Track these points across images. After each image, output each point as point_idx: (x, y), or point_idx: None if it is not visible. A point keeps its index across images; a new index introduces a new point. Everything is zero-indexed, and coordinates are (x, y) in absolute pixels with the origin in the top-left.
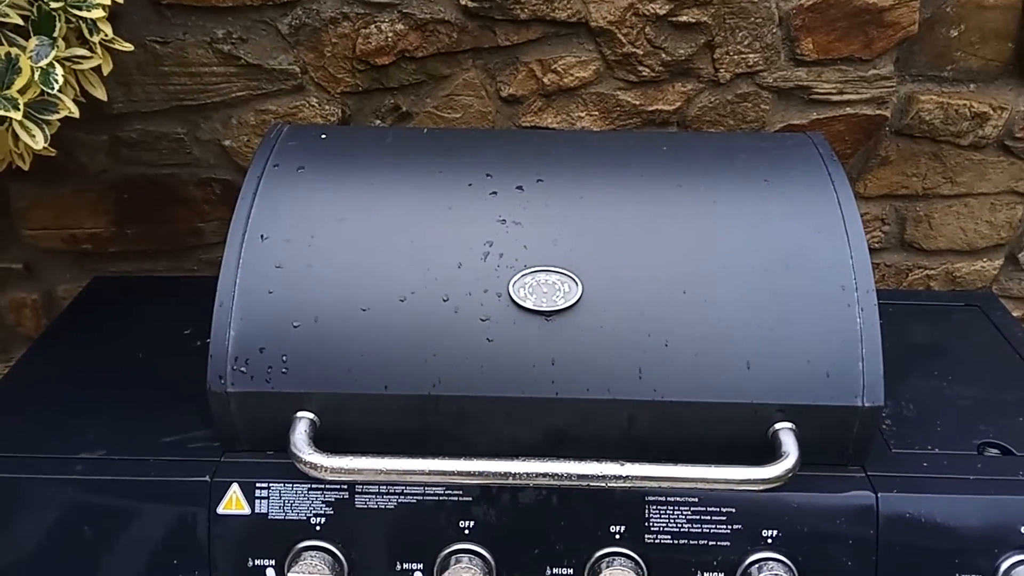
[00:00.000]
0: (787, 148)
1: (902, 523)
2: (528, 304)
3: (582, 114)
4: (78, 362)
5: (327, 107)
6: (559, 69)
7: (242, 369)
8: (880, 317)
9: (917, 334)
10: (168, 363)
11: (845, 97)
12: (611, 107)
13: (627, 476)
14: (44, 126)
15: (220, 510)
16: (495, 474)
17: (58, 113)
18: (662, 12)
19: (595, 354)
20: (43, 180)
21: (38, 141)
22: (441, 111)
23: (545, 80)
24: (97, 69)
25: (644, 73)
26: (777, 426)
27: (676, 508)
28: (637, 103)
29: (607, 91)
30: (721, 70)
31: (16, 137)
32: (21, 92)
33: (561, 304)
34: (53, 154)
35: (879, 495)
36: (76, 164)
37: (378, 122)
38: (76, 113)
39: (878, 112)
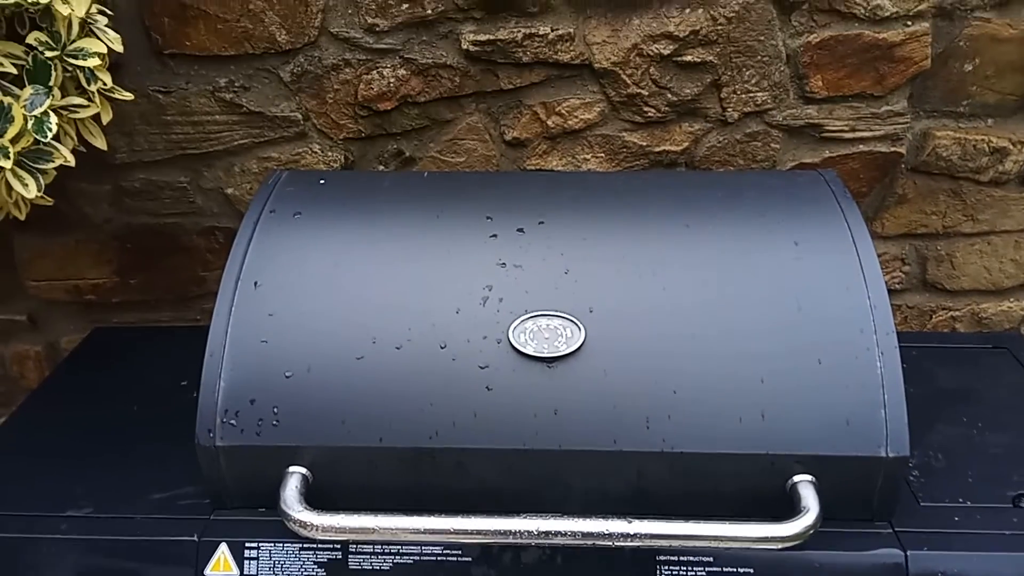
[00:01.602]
0: (798, 185)
1: None
2: (529, 350)
3: (588, 156)
4: (73, 414)
5: (330, 153)
6: (563, 111)
7: (232, 422)
8: (903, 361)
9: (943, 378)
10: (162, 416)
11: (858, 134)
12: (617, 148)
13: (635, 534)
14: (39, 175)
15: (208, 572)
16: (495, 532)
17: (53, 162)
18: (666, 52)
19: (600, 403)
20: (46, 230)
21: (31, 190)
22: (445, 155)
23: (549, 123)
24: (96, 118)
25: (650, 114)
26: (796, 479)
27: (690, 568)
28: (644, 144)
29: (613, 132)
30: (729, 109)
31: (10, 187)
32: (13, 141)
33: (563, 350)
34: (50, 203)
35: (908, 552)
36: (79, 214)
37: (381, 167)
38: (72, 162)
39: (893, 149)
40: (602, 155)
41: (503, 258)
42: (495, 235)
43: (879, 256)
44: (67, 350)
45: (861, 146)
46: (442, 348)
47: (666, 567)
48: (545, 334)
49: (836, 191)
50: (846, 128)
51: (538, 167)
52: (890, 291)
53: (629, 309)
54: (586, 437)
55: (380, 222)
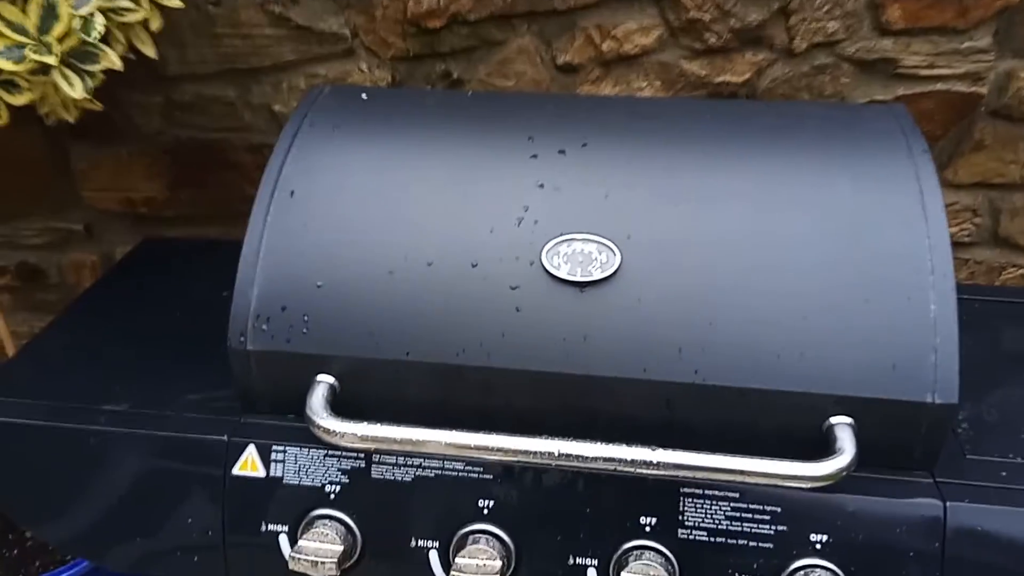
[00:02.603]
0: (863, 118)
1: (973, 537)
2: (561, 273)
3: (643, 84)
4: (118, 318)
5: (377, 72)
6: (619, 36)
7: (263, 327)
8: (965, 313)
9: (1008, 335)
10: (203, 323)
11: (936, 71)
12: (674, 77)
13: (658, 463)
14: (85, 76)
15: (235, 471)
16: (517, 451)
17: (99, 64)
18: None
19: (632, 330)
20: (100, 141)
21: (77, 90)
22: (494, 78)
23: (604, 47)
24: (146, 25)
25: (711, 41)
26: (833, 420)
27: (714, 503)
28: (703, 73)
29: (670, 60)
30: (796, 39)
31: (56, 86)
32: (60, 40)
33: (597, 275)
34: (99, 108)
35: (948, 504)
36: (131, 126)
37: (428, 88)
38: (119, 66)
39: (973, 89)
40: (658, 84)
41: (542, 179)
42: (535, 155)
43: (949, 206)
44: None
45: (938, 84)
46: (473, 267)
47: (689, 499)
48: (579, 258)
49: (903, 125)
50: (923, 64)
51: (590, 94)
52: (958, 244)
53: (669, 237)
54: (615, 364)
55: (419, 138)
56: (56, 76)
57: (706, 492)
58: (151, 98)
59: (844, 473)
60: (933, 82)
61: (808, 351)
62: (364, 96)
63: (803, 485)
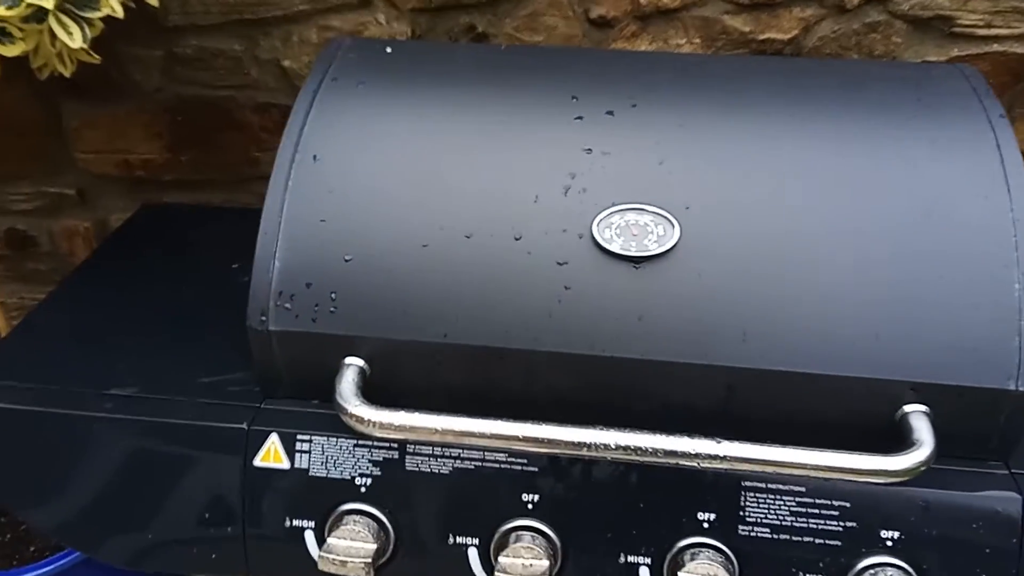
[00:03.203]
0: (931, 79)
1: None
2: (614, 247)
3: (681, 41)
4: (119, 292)
5: (396, 25)
6: None
7: (286, 306)
8: None
9: None
10: (212, 298)
11: (993, 31)
12: (715, 34)
13: (725, 456)
14: (84, 25)
15: (257, 462)
16: (570, 443)
17: (99, 11)
18: None
19: (691, 310)
20: (95, 98)
21: (75, 39)
22: (521, 33)
23: (642, 0)
24: None
25: None
26: (907, 408)
27: (778, 498)
28: (747, 30)
29: (712, 15)
30: None
31: (55, 36)
32: None
33: (654, 249)
34: (96, 61)
35: None
36: (128, 81)
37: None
38: (120, 13)
39: None
40: (698, 41)
41: (589, 143)
42: (580, 117)
43: None
44: (116, 228)
45: (995, 45)
46: (517, 240)
47: (751, 494)
48: (633, 230)
49: (978, 88)
50: (980, 23)
51: (633, 51)
52: None
53: (731, 207)
54: (673, 347)
55: (452, 96)
56: (53, 23)
57: (769, 486)
58: (150, 51)
59: (923, 468)
60: (989, 42)
61: (882, 334)
62: (388, 50)
63: (882, 480)
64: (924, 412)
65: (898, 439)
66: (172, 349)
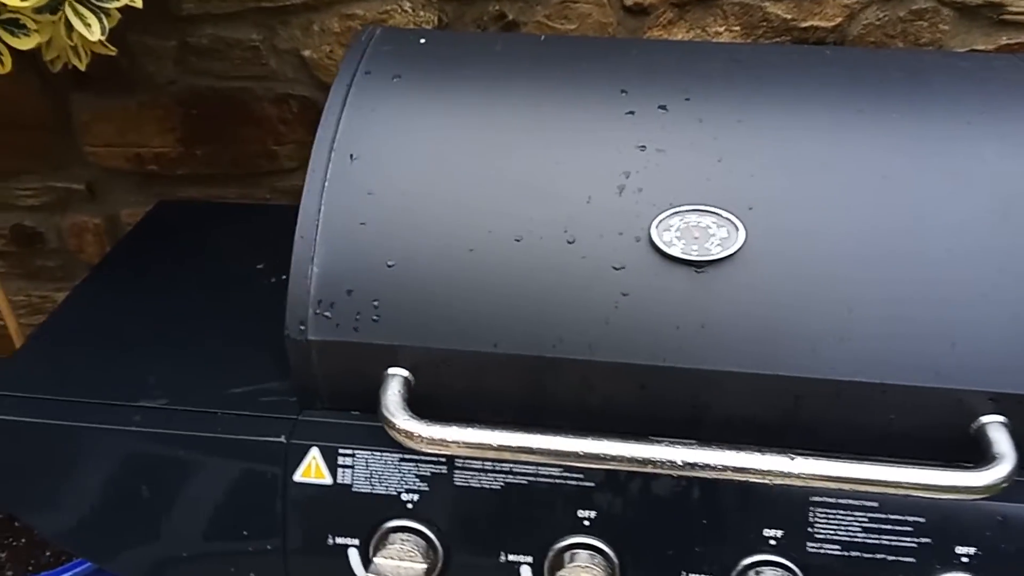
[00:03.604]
0: (994, 70)
1: None
2: (675, 251)
3: (720, 28)
4: (140, 295)
5: (422, 13)
6: None
7: (326, 314)
8: None
9: None
10: (239, 301)
11: None
12: (756, 21)
13: (800, 474)
14: (101, 15)
15: (297, 477)
16: (634, 460)
17: (117, 1)
18: None
19: (757, 317)
20: (106, 90)
21: (94, 32)
22: (553, 21)
23: None
24: None
25: None
26: (984, 420)
27: (849, 513)
28: (788, 17)
29: (753, 1)
30: None
31: (70, 27)
32: None
33: (717, 253)
34: (112, 53)
35: None
36: (141, 73)
37: (479, 32)
38: (139, 2)
39: None
40: (737, 28)
41: (643, 140)
42: (632, 112)
43: None
44: (128, 224)
45: None
46: (570, 243)
47: (820, 510)
48: (694, 233)
49: None
50: None
51: (679, 40)
52: None
53: (796, 208)
54: (738, 357)
55: (495, 90)
56: (69, 13)
57: (840, 501)
58: (164, 42)
59: (1005, 484)
60: None
61: (959, 342)
62: (422, 40)
63: (960, 497)
64: (1003, 423)
65: (974, 451)
66: (200, 357)
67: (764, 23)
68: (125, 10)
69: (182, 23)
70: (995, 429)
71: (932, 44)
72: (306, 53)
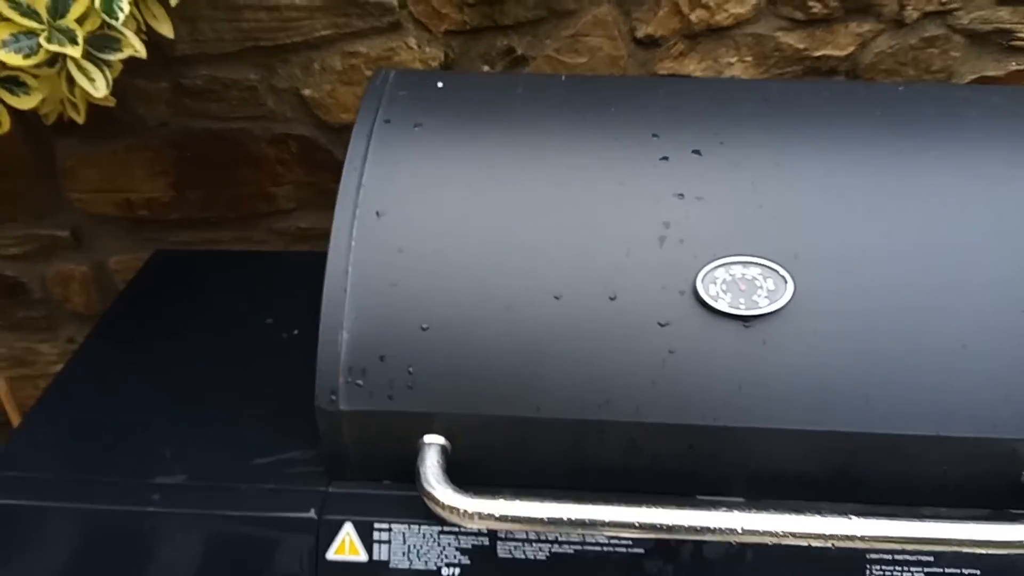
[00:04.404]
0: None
1: None
2: (721, 305)
3: (732, 60)
4: (145, 357)
5: (428, 49)
6: (710, 4)
7: (358, 383)
8: None
9: None
10: (252, 361)
11: None
12: (768, 52)
13: (861, 536)
14: (104, 68)
15: (330, 555)
16: (691, 529)
17: (121, 52)
18: None
19: (809, 372)
20: (93, 135)
21: (99, 88)
22: (563, 55)
23: (692, 17)
24: (163, 1)
25: (814, 9)
26: None
27: (906, 569)
28: (801, 47)
29: (766, 31)
30: (908, 7)
31: (72, 82)
32: (79, 22)
33: (765, 306)
34: (112, 103)
35: None
36: (131, 116)
37: (487, 67)
38: (143, 53)
39: None
40: (749, 59)
41: (680, 188)
42: (666, 157)
43: None
44: (116, 271)
45: None
46: (611, 300)
47: (877, 567)
48: (741, 285)
49: None
50: None
51: (672, 71)
52: None
53: (844, 256)
54: (791, 414)
55: (521, 137)
56: (73, 70)
57: (896, 557)
58: (156, 83)
59: None
60: None
61: (1014, 390)
62: (440, 84)
63: (1019, 552)
64: None
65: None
66: (216, 425)
67: (777, 53)
68: (126, 59)
69: (175, 64)
70: None
71: (943, 71)
72: (306, 92)
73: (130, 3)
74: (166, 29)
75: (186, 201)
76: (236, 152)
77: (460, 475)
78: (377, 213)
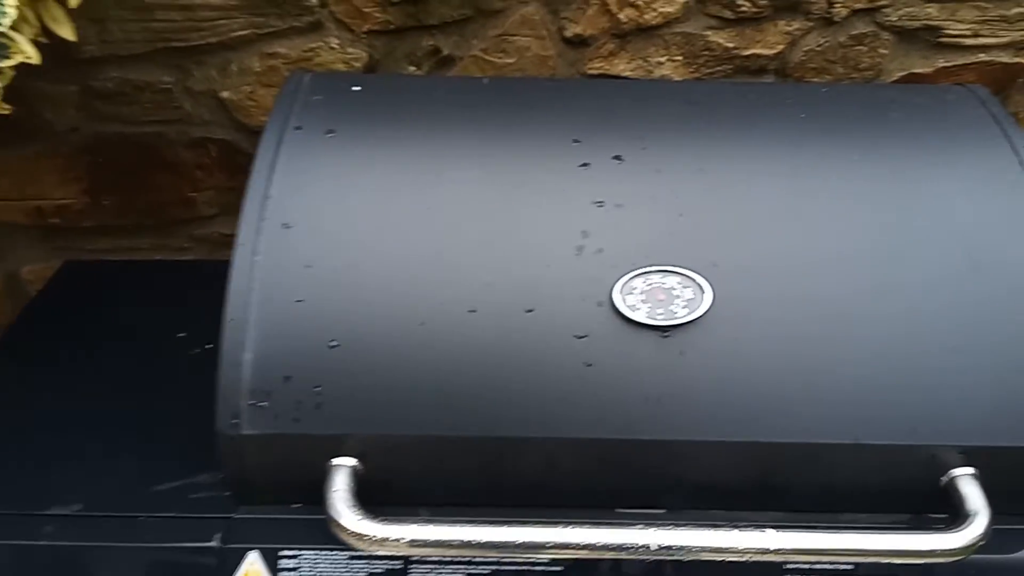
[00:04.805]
0: (948, 104)
1: None
2: (639, 316)
3: (662, 59)
4: (45, 376)
5: (351, 50)
6: (639, 2)
7: (262, 404)
8: None
9: None
10: (161, 378)
11: (980, 41)
12: (698, 51)
13: (777, 549)
14: None
15: None
16: (607, 547)
17: (10, 59)
18: None
19: (728, 383)
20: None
21: None
22: (491, 55)
23: (621, 16)
24: (62, 1)
25: (743, 8)
26: (955, 472)
27: None
28: (730, 46)
29: (695, 31)
30: (837, 5)
31: None
32: None
33: (683, 316)
34: (7, 112)
35: None
36: (40, 121)
37: (412, 68)
38: (36, 59)
39: (1016, 60)
40: (679, 58)
41: (600, 195)
42: (586, 164)
43: None
44: (29, 281)
45: (981, 55)
46: (527, 312)
47: None
48: (659, 295)
49: (996, 114)
50: (968, 32)
51: (601, 71)
52: None
53: (764, 263)
54: (709, 425)
55: (439, 144)
56: None
57: (815, 567)
58: (63, 87)
59: (982, 541)
60: (976, 52)
61: (931, 395)
62: (356, 88)
63: (938, 560)
64: (972, 475)
65: (944, 502)
66: (118, 448)
67: (706, 52)
68: (20, 64)
69: (83, 66)
70: (966, 483)
71: (871, 69)
72: (224, 94)
73: (18, 5)
74: (67, 32)
75: (100, 208)
76: (152, 157)
77: (373, 496)
78: (284, 225)
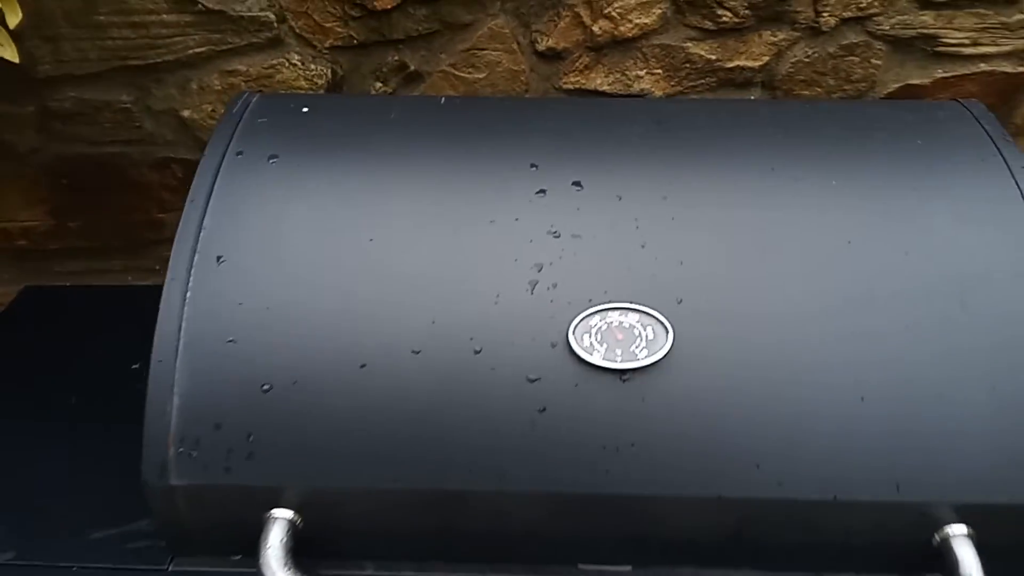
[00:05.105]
0: (939, 122)
1: None
2: (596, 358)
3: (641, 72)
4: None
5: (313, 66)
6: (614, 14)
7: (191, 453)
8: None
9: None
10: (107, 416)
11: (980, 50)
12: (679, 63)
13: None
14: None
15: None
16: None
17: None
18: None
19: (693, 432)
20: None
21: None
22: (460, 70)
23: (595, 28)
24: (2, 21)
25: (724, 18)
26: (949, 531)
27: None
28: (712, 58)
29: (675, 42)
30: (824, 13)
31: None
32: None
33: (644, 358)
34: None
35: None
36: (0, 143)
37: (379, 85)
38: None
39: (1019, 69)
40: (659, 71)
41: (556, 225)
42: (543, 191)
43: None
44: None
45: (982, 64)
46: (476, 353)
47: None
48: (618, 334)
49: (991, 132)
50: (966, 41)
51: (578, 86)
52: None
53: (732, 301)
54: (674, 478)
55: (385, 170)
56: None
57: None
58: (21, 108)
59: None
60: (976, 62)
61: (920, 449)
62: (305, 109)
63: None
64: (966, 535)
65: (937, 562)
66: (56, 491)
67: (687, 65)
68: None
69: (39, 86)
70: (960, 543)
71: (865, 81)
72: (185, 113)
73: None
74: (9, 53)
75: (67, 230)
76: (116, 178)
77: (313, 549)
78: (218, 259)
